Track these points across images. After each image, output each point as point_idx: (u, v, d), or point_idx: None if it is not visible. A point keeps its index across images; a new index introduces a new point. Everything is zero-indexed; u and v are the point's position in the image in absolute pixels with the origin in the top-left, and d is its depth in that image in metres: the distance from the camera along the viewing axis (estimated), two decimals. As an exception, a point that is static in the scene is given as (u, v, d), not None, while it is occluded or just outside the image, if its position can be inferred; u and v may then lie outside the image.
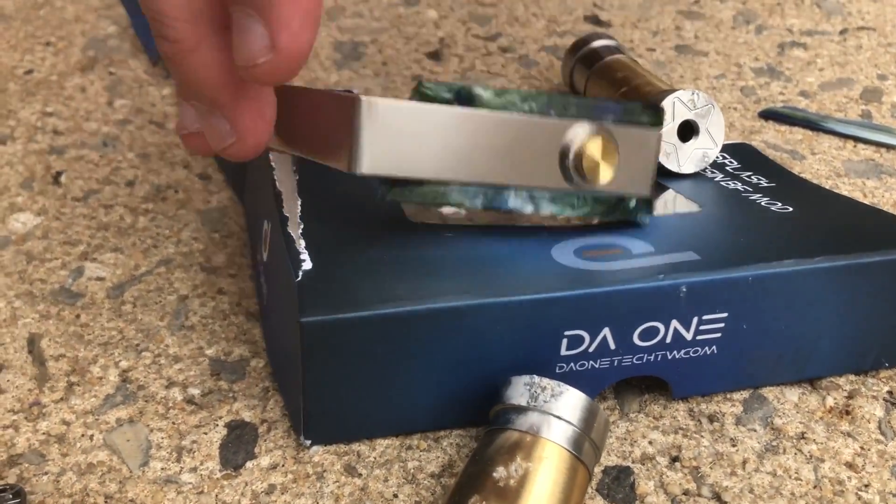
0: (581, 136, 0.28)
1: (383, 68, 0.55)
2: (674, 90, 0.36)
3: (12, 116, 0.48)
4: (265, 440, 0.29)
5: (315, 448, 0.29)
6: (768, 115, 0.51)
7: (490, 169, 0.27)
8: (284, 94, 0.27)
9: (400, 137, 0.26)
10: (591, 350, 0.29)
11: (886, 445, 0.31)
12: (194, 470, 0.28)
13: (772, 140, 0.49)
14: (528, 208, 0.29)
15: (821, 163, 0.47)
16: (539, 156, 0.28)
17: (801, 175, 0.45)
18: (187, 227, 0.39)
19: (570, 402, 0.26)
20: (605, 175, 0.29)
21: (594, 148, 0.28)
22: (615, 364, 0.30)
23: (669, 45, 0.60)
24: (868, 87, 0.56)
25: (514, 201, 0.29)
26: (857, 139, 0.49)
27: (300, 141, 0.28)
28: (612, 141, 0.28)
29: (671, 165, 0.36)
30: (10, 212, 0.40)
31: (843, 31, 0.63)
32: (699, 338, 0.30)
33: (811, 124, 0.50)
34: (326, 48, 0.57)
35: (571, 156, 0.28)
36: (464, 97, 0.27)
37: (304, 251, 0.28)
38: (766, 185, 0.36)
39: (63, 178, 0.42)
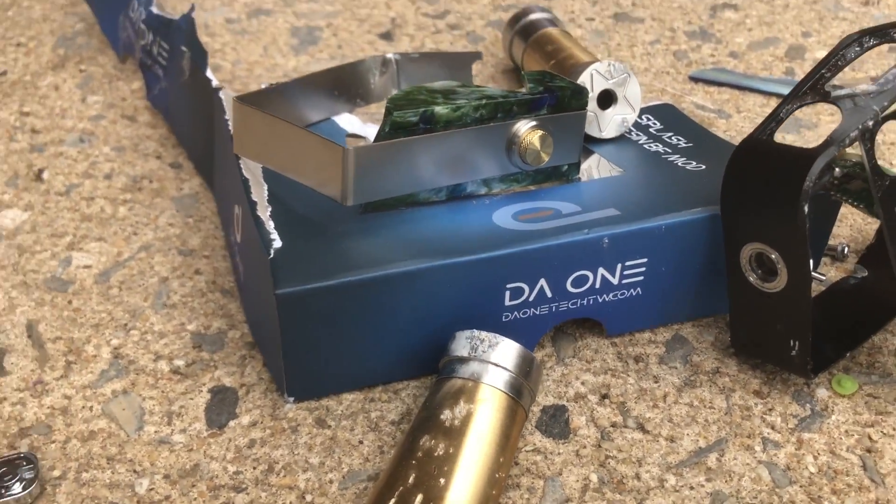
0: (522, 131, 0.34)
1: (339, 51, 0.58)
2: (593, 62, 0.39)
3: (-8, 118, 0.51)
4: (245, 402, 0.33)
5: (289, 406, 0.33)
6: (698, 77, 0.55)
7: (452, 173, 0.34)
8: (278, 127, 0.33)
9: (379, 171, 0.32)
10: (531, 299, 0.33)
11: (790, 373, 0.35)
12: (184, 431, 0.32)
13: (700, 101, 0.53)
14: (483, 190, 0.35)
15: (745, 120, 0.51)
16: (490, 153, 0.34)
17: (727, 132, 0.50)
18: (163, 213, 0.43)
19: (505, 351, 0.30)
20: (544, 158, 0.35)
21: (534, 139, 0.34)
22: (553, 310, 0.34)
23: (608, 14, 0.64)
24: (793, 45, 0.59)
25: (471, 187, 0.35)
26: (779, 96, 0.53)
27: (293, 168, 0.33)
28: (547, 130, 0.35)
29: (593, 131, 0.39)
30: (-1, 209, 0.44)
31: (772, -9, 0.67)
32: (624, 281, 0.34)
33: (737, 84, 0.54)
34: (284, 34, 0.60)
35: (516, 148, 0.34)
36: (427, 117, 0.32)
37: (274, 231, 0.32)
38: (684, 145, 0.40)
39: (45, 175, 0.46)
